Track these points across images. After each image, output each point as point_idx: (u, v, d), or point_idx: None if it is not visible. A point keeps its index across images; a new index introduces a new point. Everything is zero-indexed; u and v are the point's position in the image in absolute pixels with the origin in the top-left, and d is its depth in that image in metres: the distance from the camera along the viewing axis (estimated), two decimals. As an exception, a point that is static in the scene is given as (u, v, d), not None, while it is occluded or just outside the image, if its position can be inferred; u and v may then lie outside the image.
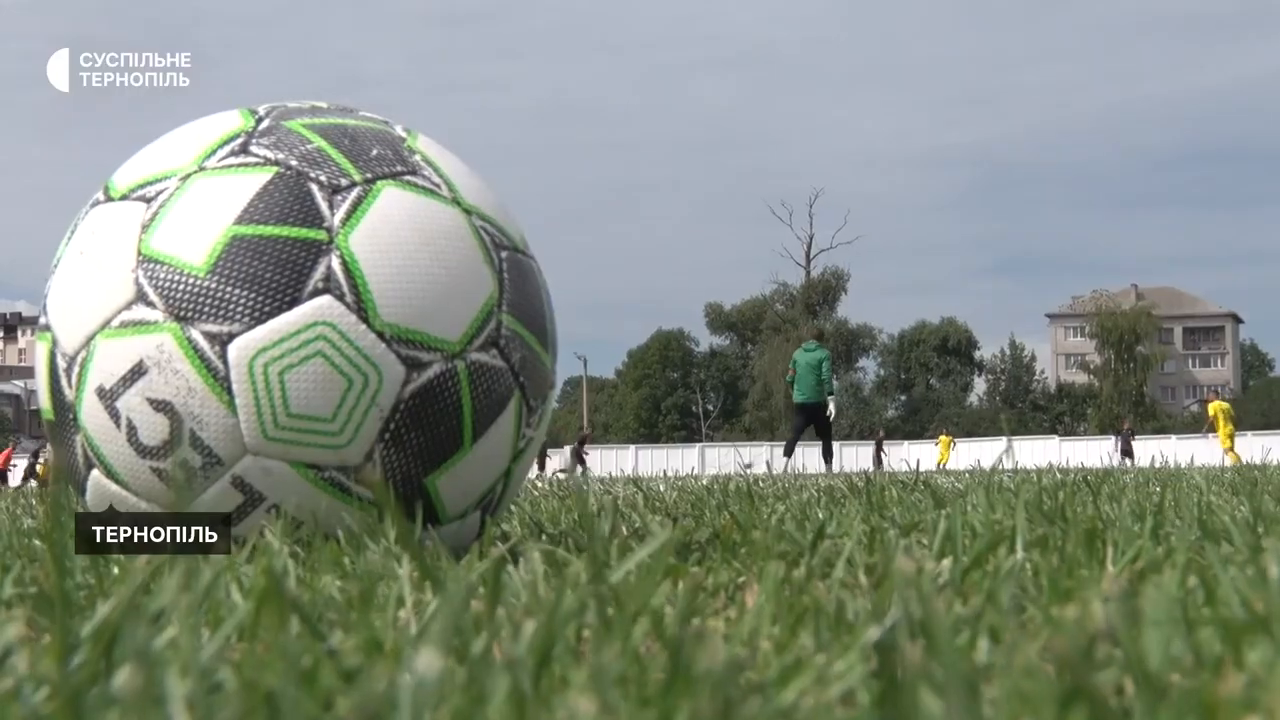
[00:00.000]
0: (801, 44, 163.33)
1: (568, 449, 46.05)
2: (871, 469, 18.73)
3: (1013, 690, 0.84)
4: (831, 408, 19.17)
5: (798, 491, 5.32)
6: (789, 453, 18.82)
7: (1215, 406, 33.40)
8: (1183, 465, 10.36)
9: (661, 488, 7.67)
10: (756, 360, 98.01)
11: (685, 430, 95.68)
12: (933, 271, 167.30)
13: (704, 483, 8.02)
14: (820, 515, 3.08)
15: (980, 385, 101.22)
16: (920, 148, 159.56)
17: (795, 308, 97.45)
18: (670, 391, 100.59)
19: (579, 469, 38.73)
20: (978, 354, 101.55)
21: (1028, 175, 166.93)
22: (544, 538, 2.67)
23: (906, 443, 59.58)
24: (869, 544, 2.12)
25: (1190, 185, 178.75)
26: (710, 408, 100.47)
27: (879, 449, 45.30)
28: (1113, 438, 44.35)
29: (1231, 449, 30.70)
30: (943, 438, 48.61)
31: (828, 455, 19.20)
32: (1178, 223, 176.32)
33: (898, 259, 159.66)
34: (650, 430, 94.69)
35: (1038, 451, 36.89)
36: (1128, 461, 26.86)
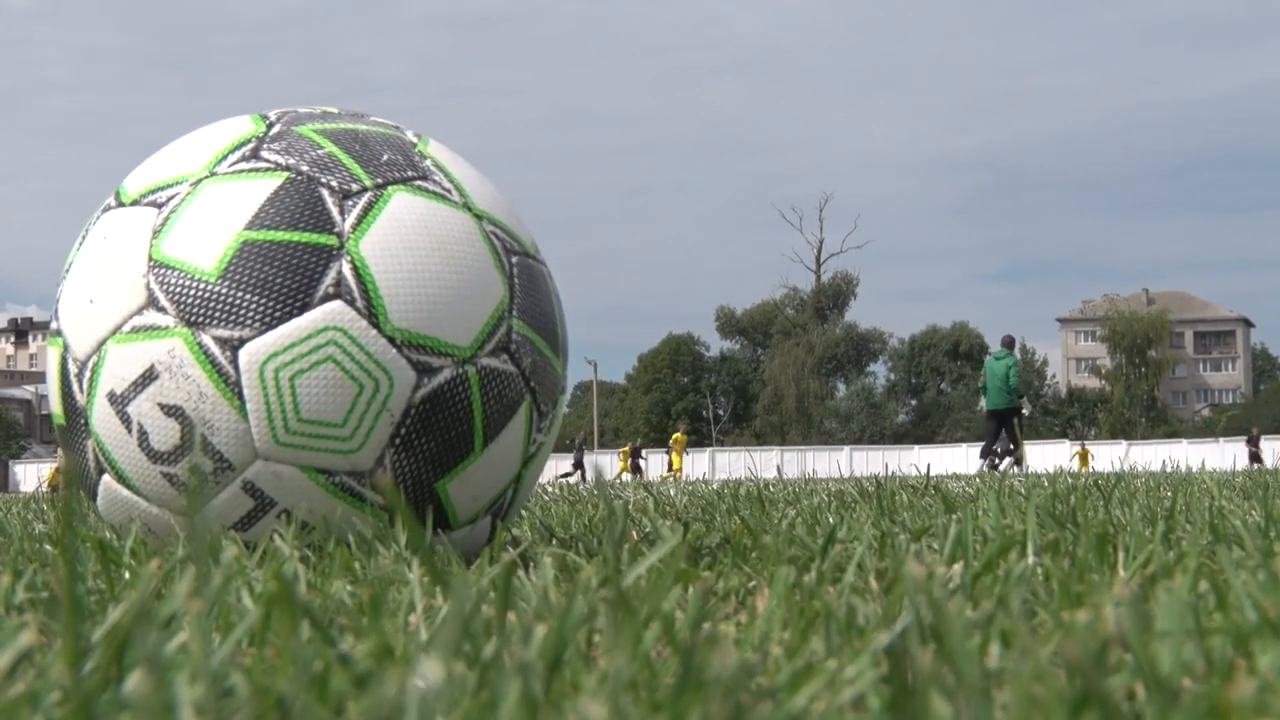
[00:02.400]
0: (811, 49, 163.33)
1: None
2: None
3: (1024, 695, 0.84)
4: (1025, 408, 19.57)
5: (808, 496, 5.32)
6: (986, 455, 19.03)
7: None
8: (1194, 470, 10.34)
9: (672, 492, 7.67)
10: (767, 364, 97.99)
11: (695, 435, 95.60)
12: (943, 276, 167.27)
13: (714, 487, 8.01)
14: (831, 520, 3.07)
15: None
16: (930, 152, 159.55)
17: (805, 312, 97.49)
18: (681, 396, 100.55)
19: (577, 475, 38.72)
20: (988, 359, 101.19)
21: (1038, 180, 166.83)
22: (555, 542, 2.67)
23: (917, 447, 59.50)
24: (879, 549, 2.12)
25: (1201, 190, 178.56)
26: (721, 412, 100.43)
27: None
28: (1243, 442, 44.43)
29: None
30: (1079, 449, 47.62)
31: (1017, 458, 19.25)
32: (1188, 227, 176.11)
33: (908, 263, 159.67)
34: (660, 434, 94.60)
35: (1048, 456, 36.81)
36: (1255, 466, 26.49)
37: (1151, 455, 32.72)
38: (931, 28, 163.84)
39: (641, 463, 45.91)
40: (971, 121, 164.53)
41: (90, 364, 2.38)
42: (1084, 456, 44.11)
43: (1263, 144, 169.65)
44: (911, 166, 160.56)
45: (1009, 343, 20.89)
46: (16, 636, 1.02)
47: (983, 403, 21.17)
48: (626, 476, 38.68)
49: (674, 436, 46.48)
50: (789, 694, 1.00)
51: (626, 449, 48.06)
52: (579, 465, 44.46)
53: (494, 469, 2.47)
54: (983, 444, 20.15)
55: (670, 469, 42.62)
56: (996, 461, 19.33)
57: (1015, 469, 18.54)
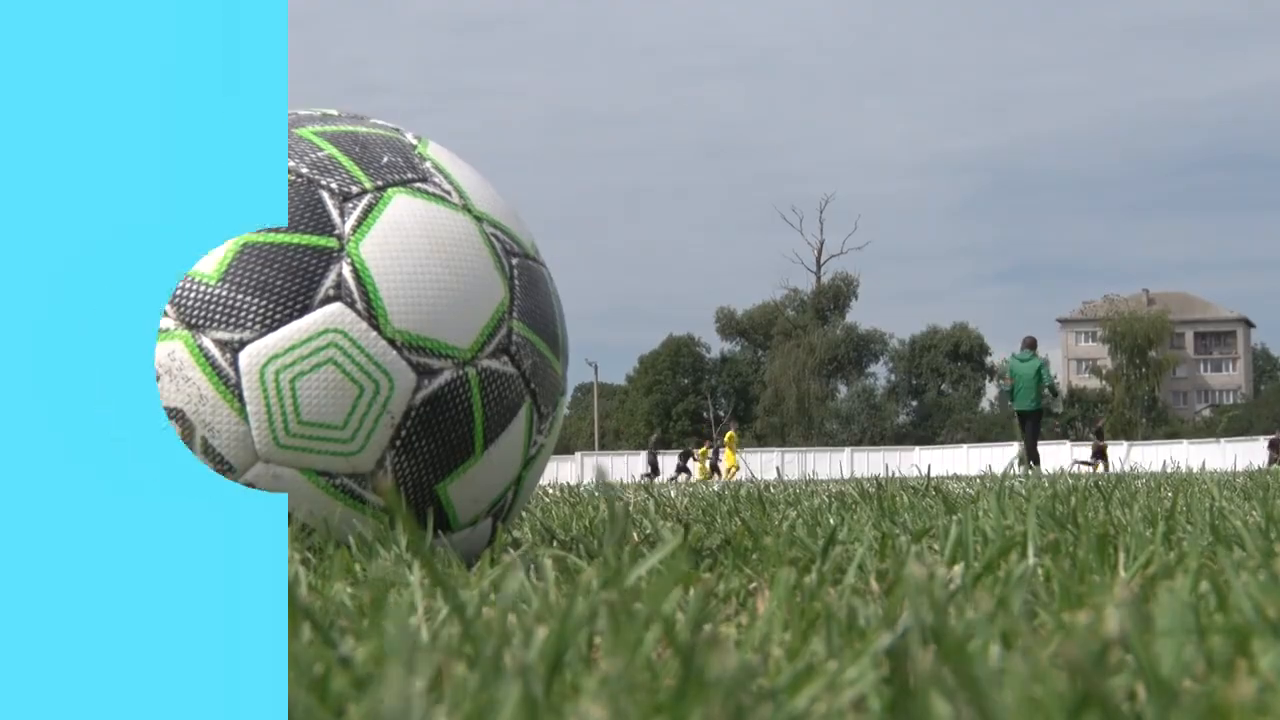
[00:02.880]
0: (811, 50, 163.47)
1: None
2: (1092, 469, 18.88)
3: (1024, 696, 0.84)
4: (1057, 407, 19.62)
5: (809, 497, 5.32)
6: (1035, 459, 19.03)
7: None
8: (1195, 471, 10.34)
9: (672, 493, 7.67)
10: (768, 366, 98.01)
11: (696, 436, 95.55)
12: (943, 276, 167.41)
13: (715, 489, 8.01)
14: (831, 521, 3.07)
15: (992, 391, 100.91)
16: (930, 153, 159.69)
17: (806, 313, 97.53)
18: (681, 397, 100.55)
19: (684, 475, 38.60)
20: (989, 359, 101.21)
21: (1038, 180, 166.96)
22: (555, 544, 2.67)
23: (917, 448, 59.50)
24: (880, 550, 2.12)
25: (1201, 190, 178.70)
26: (721, 413, 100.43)
27: (1102, 450, 41.21)
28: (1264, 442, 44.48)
29: None
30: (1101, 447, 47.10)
31: (1020, 457, 19.23)
32: (1188, 227, 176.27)
33: (908, 264, 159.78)
34: (661, 436, 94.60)
35: (1050, 457, 36.76)
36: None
37: (1152, 455, 32.67)
38: (931, 28, 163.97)
39: (693, 464, 45.96)
40: (971, 122, 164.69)
41: (91, 366, 2.38)
42: (1103, 452, 43.70)
43: (1263, 144, 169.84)
44: (911, 167, 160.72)
45: (1032, 344, 20.86)
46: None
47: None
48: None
49: (727, 435, 46.57)
50: (790, 695, 1.00)
51: (705, 449, 48.01)
52: (653, 465, 44.36)
53: (494, 471, 2.47)
54: (1025, 448, 20.10)
55: (723, 468, 42.66)
56: (1036, 455, 19.37)
57: (1016, 468, 18.44)
